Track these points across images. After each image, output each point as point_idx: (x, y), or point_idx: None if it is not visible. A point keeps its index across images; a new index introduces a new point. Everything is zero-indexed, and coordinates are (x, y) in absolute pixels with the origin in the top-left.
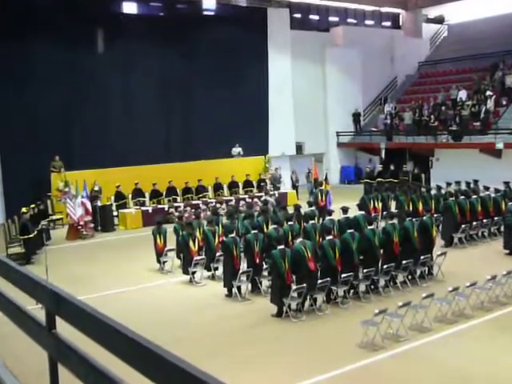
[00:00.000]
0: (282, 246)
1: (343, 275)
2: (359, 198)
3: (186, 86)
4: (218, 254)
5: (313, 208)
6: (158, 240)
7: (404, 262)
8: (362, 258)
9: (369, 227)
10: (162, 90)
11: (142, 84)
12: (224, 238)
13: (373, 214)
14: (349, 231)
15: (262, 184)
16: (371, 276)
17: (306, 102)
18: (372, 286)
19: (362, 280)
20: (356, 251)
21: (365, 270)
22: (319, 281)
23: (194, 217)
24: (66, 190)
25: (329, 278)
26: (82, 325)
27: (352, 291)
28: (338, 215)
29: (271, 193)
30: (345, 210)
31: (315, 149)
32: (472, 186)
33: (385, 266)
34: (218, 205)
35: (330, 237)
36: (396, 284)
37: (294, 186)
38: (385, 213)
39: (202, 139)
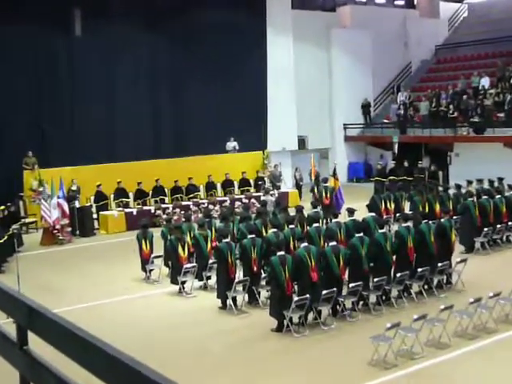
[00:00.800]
0: (283, 252)
1: (351, 285)
2: (369, 198)
3: (175, 74)
4: (210, 261)
5: (317, 209)
6: (144, 246)
7: (419, 269)
8: (372, 265)
9: (380, 231)
10: (150, 79)
11: (127, 72)
12: (217, 244)
13: (384, 216)
14: (357, 235)
15: (260, 183)
16: (382, 286)
17: (310, 91)
18: (383, 297)
19: (373, 290)
20: (365, 258)
21: (375, 279)
22: (324, 291)
23: (183, 219)
24: (41, 189)
25: (335, 289)
26: (57, 341)
27: (361, 303)
28: (344, 217)
29: (271, 192)
30: (351, 211)
31: (320, 143)
32: (496, 184)
33: (398, 275)
34: (210, 206)
35: (334, 243)
36: (410, 295)
37: (298, 185)
38: (398, 214)
39: (193, 133)
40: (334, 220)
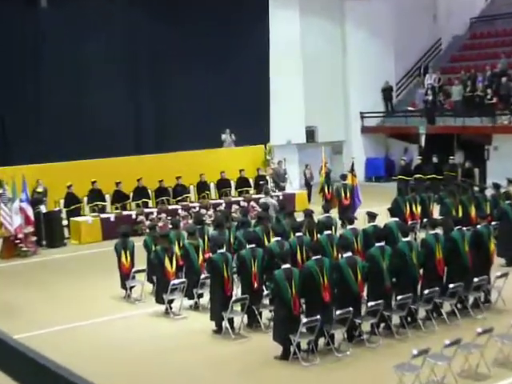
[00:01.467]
0: (288, 265)
1: (370, 304)
2: (391, 201)
3: (161, 55)
4: (202, 276)
5: (329, 214)
6: (123, 258)
7: (451, 285)
8: (394, 280)
9: (404, 239)
10: (130, 61)
11: (102, 52)
12: (211, 255)
13: (409, 222)
14: (377, 245)
15: (262, 182)
16: (407, 305)
17: (320, 74)
18: (409, 318)
19: (396, 310)
20: (387, 271)
21: (399, 297)
22: (338, 311)
23: (170, 226)
24: (0, 191)
25: (350, 308)
26: (18, 372)
27: (382, 325)
28: (362, 223)
29: (274, 194)
30: (372, 216)
31: (332, 135)
32: None
33: (426, 292)
34: (202, 210)
35: (349, 253)
36: (441, 315)
37: (308, 185)
38: (425, 220)
39: (182, 124)
40: (349, 226)
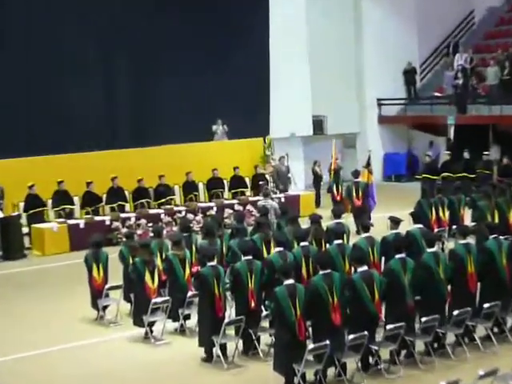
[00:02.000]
0: (292, 281)
1: (389, 327)
2: (414, 204)
3: (142, 36)
4: (189, 293)
5: (340, 220)
6: (95, 272)
7: (486, 305)
8: (418, 298)
9: (429, 250)
10: (104, 40)
11: (73, 30)
12: (199, 268)
13: (435, 229)
14: (398, 256)
15: (262, 183)
16: (434, 328)
17: (330, 56)
18: (435, 344)
19: (420, 334)
20: (409, 288)
21: (423, 319)
22: (351, 336)
23: (151, 235)
24: None
25: (366, 332)
26: None
27: (404, 352)
28: (380, 230)
29: (272, 196)
30: (396, 221)
31: (343, 126)
32: None
33: (455, 312)
34: (189, 215)
35: (364, 267)
36: (474, 341)
37: (317, 185)
38: (454, 227)
39: (165, 113)
40: (364, 234)
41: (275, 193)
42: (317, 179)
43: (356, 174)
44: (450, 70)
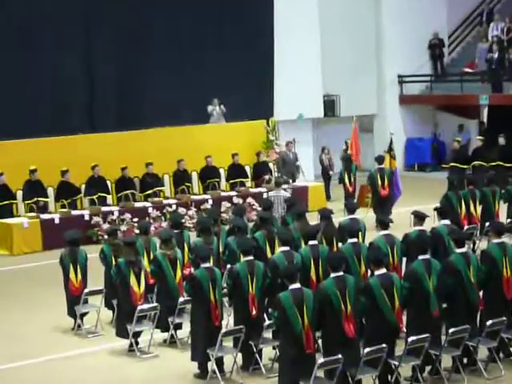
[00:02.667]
0: (298, 285)
1: (411, 339)
2: (441, 197)
3: (131, 1)
4: (181, 299)
5: (355, 216)
6: (72, 274)
7: None
8: (445, 306)
9: (458, 250)
10: (83, 5)
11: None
12: (192, 271)
13: (465, 227)
14: (421, 258)
15: (267, 176)
16: (463, 340)
17: (344, 25)
18: (465, 359)
19: (447, 347)
20: (434, 294)
21: (451, 330)
22: (367, 349)
23: (137, 231)
24: None
25: (384, 345)
26: None
27: (428, 368)
28: (402, 226)
29: (284, 186)
30: (420, 217)
31: (359, 107)
32: None
33: (488, 323)
34: (181, 209)
35: (383, 270)
36: (510, 356)
37: (326, 176)
38: (487, 224)
39: (154, 91)
40: (382, 232)
41: (287, 182)
42: (325, 169)
43: (380, 159)
44: (484, 41)
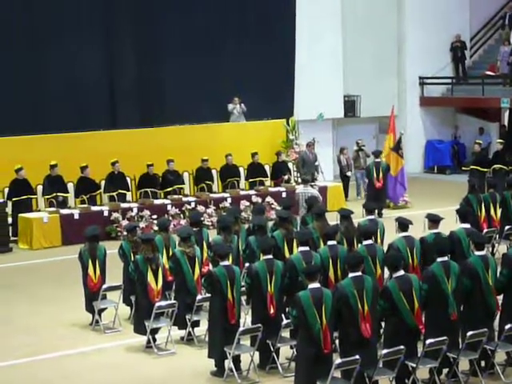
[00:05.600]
0: (317, 285)
1: (429, 341)
2: (460, 200)
3: (155, 2)
4: (199, 296)
5: (372, 217)
6: (91, 270)
7: None
8: (463, 309)
9: (477, 253)
10: (107, 4)
11: None
12: (211, 268)
13: (485, 230)
14: (439, 260)
15: (285, 175)
16: (481, 343)
17: (366, 26)
18: (483, 363)
19: (465, 351)
20: (452, 297)
21: (469, 333)
22: (384, 351)
23: (156, 228)
24: None
25: (402, 347)
26: None
27: (445, 371)
28: (418, 229)
29: (311, 183)
30: (434, 220)
31: (379, 108)
32: None
33: (507, 326)
34: (200, 207)
35: (401, 272)
36: None
37: (344, 177)
38: (508, 227)
39: (175, 89)
40: (401, 234)
41: (315, 179)
42: (343, 170)
43: (377, 153)
44: (506, 44)
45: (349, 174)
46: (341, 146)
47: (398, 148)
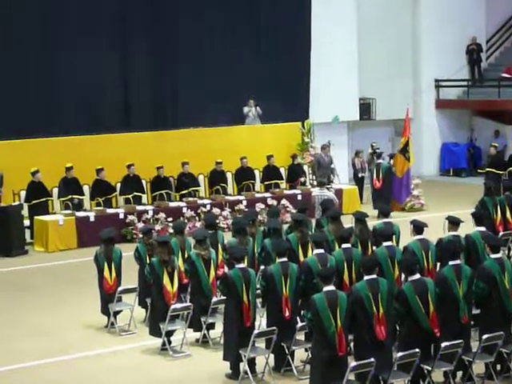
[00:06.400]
0: (332, 287)
1: (444, 344)
2: (476, 203)
3: (168, 2)
4: (214, 299)
5: (389, 220)
6: (107, 273)
7: None
8: (479, 312)
9: (492, 256)
10: (121, 6)
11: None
12: (226, 271)
13: (500, 232)
14: (452, 263)
15: (301, 178)
16: (497, 346)
17: (381, 28)
18: (498, 366)
19: (480, 354)
20: (463, 301)
21: (485, 336)
22: (400, 353)
23: (171, 231)
24: None
25: (417, 350)
26: None
27: (460, 374)
28: (434, 232)
29: (327, 186)
30: (455, 222)
31: (395, 111)
32: None
33: None
34: (216, 210)
35: (417, 276)
36: None
37: (358, 180)
38: None
39: (190, 91)
40: (416, 237)
41: (331, 182)
42: (356, 172)
43: (380, 155)
44: None
45: (363, 174)
46: (356, 149)
47: (404, 151)
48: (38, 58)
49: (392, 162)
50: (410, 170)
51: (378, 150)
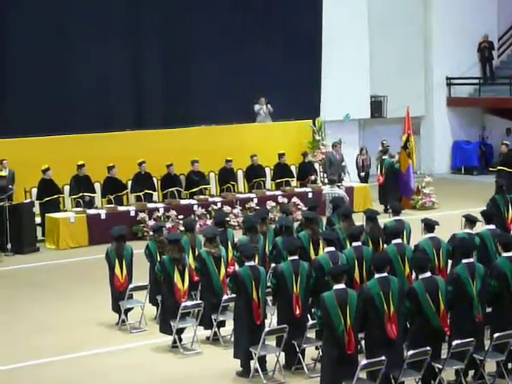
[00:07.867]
0: (342, 285)
1: (455, 343)
2: (487, 201)
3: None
4: (225, 296)
5: (400, 218)
6: (118, 270)
7: None
8: (490, 310)
9: (504, 254)
10: (134, 6)
11: None
12: (237, 269)
13: None
14: (465, 261)
15: (311, 176)
16: (508, 345)
17: (392, 26)
18: (510, 365)
19: (491, 352)
20: (477, 299)
21: (496, 334)
22: (410, 352)
23: (182, 229)
24: None
25: (428, 348)
26: None
27: (471, 373)
28: (447, 229)
29: (338, 184)
30: (471, 220)
31: (406, 108)
32: None
33: None
34: (226, 208)
35: (428, 274)
36: None
37: (364, 177)
38: None
39: (201, 89)
40: (427, 235)
41: (342, 180)
42: (358, 170)
43: (386, 151)
44: None
45: (362, 173)
46: (362, 146)
47: (405, 147)
48: (49, 57)
49: (397, 158)
50: (410, 166)
51: (388, 148)
